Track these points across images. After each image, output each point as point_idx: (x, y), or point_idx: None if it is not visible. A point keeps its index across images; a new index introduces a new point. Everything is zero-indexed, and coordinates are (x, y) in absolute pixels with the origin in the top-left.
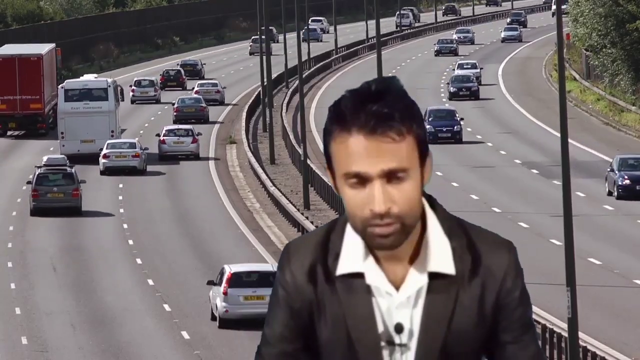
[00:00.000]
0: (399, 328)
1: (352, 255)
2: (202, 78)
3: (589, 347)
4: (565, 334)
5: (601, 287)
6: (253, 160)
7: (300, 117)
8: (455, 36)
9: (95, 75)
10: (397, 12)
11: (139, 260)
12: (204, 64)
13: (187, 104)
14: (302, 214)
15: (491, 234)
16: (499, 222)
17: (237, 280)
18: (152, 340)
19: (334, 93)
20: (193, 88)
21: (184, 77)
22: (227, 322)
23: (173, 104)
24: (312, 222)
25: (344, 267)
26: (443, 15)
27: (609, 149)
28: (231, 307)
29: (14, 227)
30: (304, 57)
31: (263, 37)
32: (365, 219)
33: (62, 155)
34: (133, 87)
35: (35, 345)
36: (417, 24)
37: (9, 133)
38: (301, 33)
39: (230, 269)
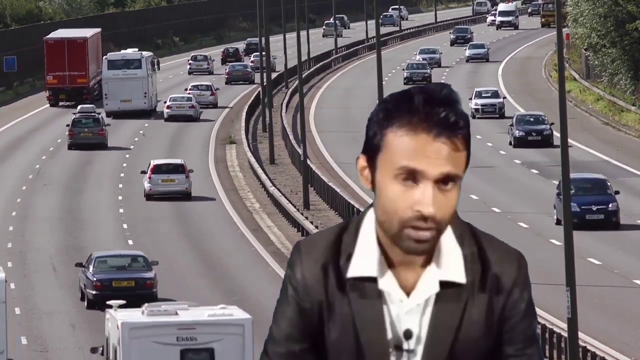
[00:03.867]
0: (408, 334)
1: (365, 258)
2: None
3: (588, 347)
4: (565, 334)
5: (601, 287)
6: (253, 160)
7: (300, 117)
8: (418, 57)
9: (136, 49)
10: (475, 0)
11: None
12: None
13: (236, 69)
14: (302, 214)
15: (502, 243)
16: (499, 222)
17: (157, 169)
18: None
19: (334, 93)
20: (249, 58)
21: (241, 53)
22: (151, 196)
23: (226, 69)
24: (311, 222)
25: (356, 269)
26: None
27: (609, 149)
28: (153, 187)
29: (14, 227)
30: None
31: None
32: (407, 218)
33: (92, 105)
34: (190, 61)
35: (35, 345)
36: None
37: (60, 103)
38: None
39: (153, 162)
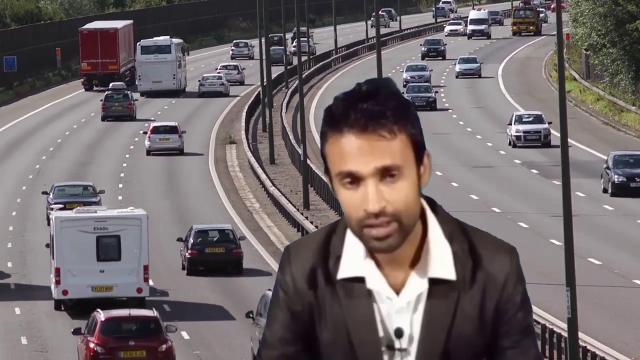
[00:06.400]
0: (399, 333)
1: (353, 259)
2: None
3: (588, 347)
4: (565, 334)
5: (601, 287)
6: (253, 160)
7: (300, 117)
8: (406, 75)
9: (167, 37)
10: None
11: None
12: (312, 32)
13: (276, 52)
14: (302, 214)
15: (493, 237)
16: (499, 222)
17: (156, 130)
18: None
19: (333, 93)
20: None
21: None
22: (150, 152)
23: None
24: (311, 222)
25: (345, 270)
26: None
27: (609, 149)
28: (153, 144)
29: (14, 227)
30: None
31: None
32: (360, 219)
33: (121, 83)
34: (232, 48)
35: (35, 345)
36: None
37: (95, 88)
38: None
39: (152, 124)
